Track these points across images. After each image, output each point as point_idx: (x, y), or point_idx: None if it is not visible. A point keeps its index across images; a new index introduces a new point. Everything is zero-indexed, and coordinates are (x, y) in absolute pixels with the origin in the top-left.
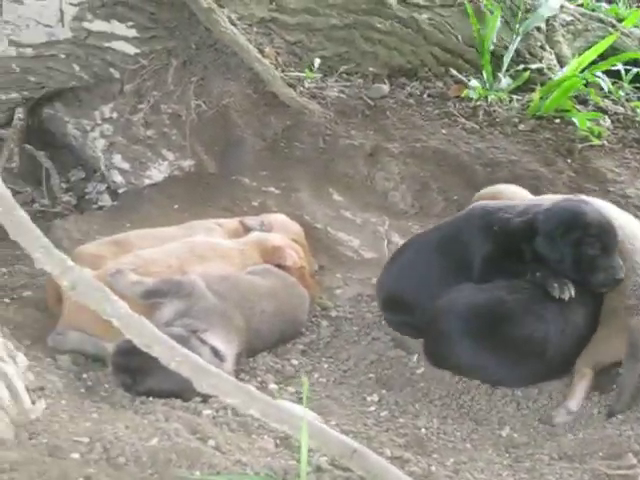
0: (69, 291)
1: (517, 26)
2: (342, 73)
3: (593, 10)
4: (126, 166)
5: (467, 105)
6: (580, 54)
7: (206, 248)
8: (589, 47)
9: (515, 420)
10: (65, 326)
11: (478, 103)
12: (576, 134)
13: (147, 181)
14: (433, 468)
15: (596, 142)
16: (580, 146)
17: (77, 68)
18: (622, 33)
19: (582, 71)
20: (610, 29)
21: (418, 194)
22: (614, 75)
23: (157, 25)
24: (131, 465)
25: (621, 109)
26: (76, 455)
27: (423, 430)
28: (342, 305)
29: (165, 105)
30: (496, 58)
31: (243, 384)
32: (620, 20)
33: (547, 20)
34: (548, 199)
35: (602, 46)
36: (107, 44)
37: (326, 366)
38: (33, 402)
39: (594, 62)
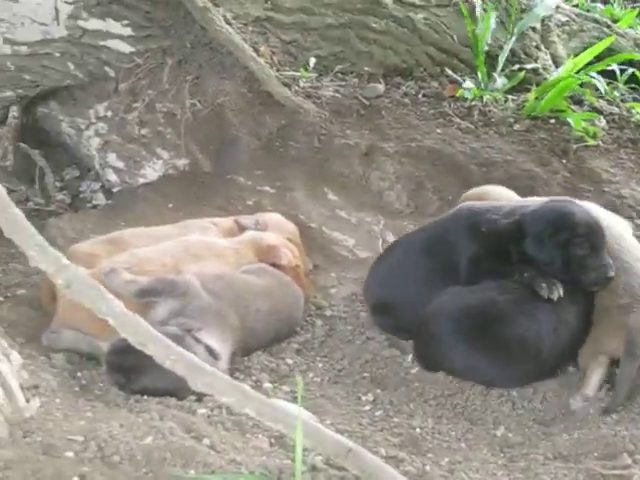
0: (64, 289)
1: (512, 26)
2: (337, 72)
3: (588, 10)
4: (121, 165)
5: (462, 105)
6: (575, 54)
7: (201, 247)
8: (584, 47)
9: (510, 420)
10: (59, 324)
11: (473, 103)
12: (571, 134)
13: (142, 180)
14: (428, 468)
15: (591, 142)
16: (575, 146)
17: (72, 66)
18: (617, 34)
19: (577, 72)
20: (605, 30)
21: (413, 194)
22: (609, 75)
23: (152, 24)
24: (125, 464)
25: (616, 109)
26: (70, 454)
27: (418, 430)
28: (337, 304)
29: (160, 104)
30: (491, 58)
31: (238, 383)
32: (615, 21)
33: (542, 20)
34: (533, 200)
35: (599, 48)
36: (102, 43)
37: (321, 365)
38: (27, 400)
39: (589, 62)
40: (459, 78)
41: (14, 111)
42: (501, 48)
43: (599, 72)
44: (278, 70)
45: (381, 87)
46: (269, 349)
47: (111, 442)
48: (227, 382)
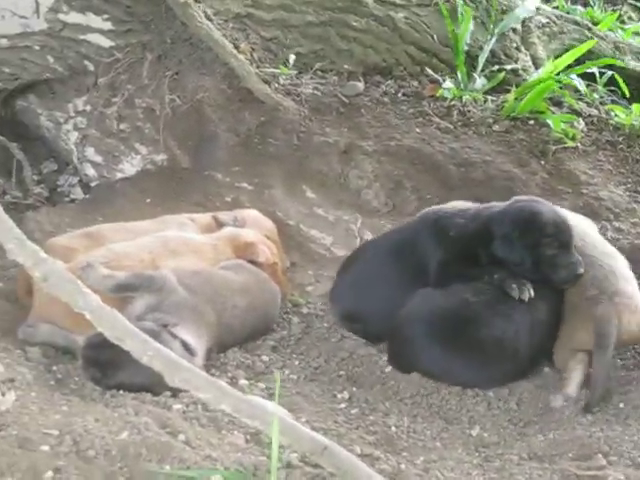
0: (41, 283)
1: (492, 27)
2: (317, 70)
3: (568, 13)
4: (99, 159)
5: (442, 105)
6: (555, 56)
7: (179, 243)
8: (565, 49)
9: (485, 420)
10: (36, 318)
11: (452, 103)
12: (550, 136)
13: (120, 175)
14: (403, 466)
15: (570, 144)
16: (554, 148)
17: (51, 60)
18: (597, 36)
19: (557, 73)
20: (586, 32)
21: (391, 192)
22: (589, 78)
23: (133, 18)
24: (101, 458)
25: (595, 112)
26: (46, 447)
27: (393, 428)
28: (313, 302)
29: (139, 99)
30: (471, 58)
31: (215, 379)
32: (595, 23)
33: (523, 21)
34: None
35: (579, 51)
36: (82, 36)
37: (297, 363)
38: (3, 394)
39: (569, 65)
40: (439, 78)
41: None
42: (481, 48)
43: (579, 74)
44: (258, 67)
45: (361, 85)
46: (245, 346)
47: (86, 437)
48: (204, 378)
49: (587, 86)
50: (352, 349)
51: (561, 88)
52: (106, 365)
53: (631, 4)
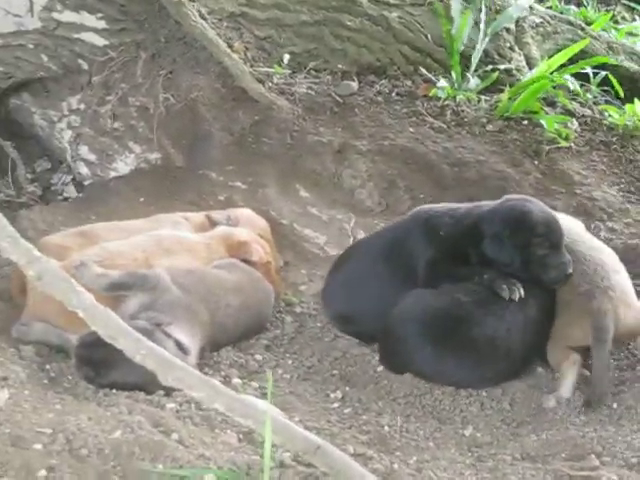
0: (35, 281)
1: (486, 26)
2: (311, 69)
3: (562, 13)
4: (92, 158)
5: (435, 104)
6: (549, 56)
7: (172, 241)
8: (558, 49)
9: (478, 420)
10: (29, 317)
11: (446, 103)
12: (544, 136)
13: (113, 173)
14: (396, 466)
15: (563, 144)
16: (547, 148)
17: (45, 58)
18: (591, 36)
19: (551, 73)
20: (579, 32)
21: (385, 192)
22: (582, 78)
23: (127, 17)
24: (94, 457)
25: (589, 112)
26: (39, 446)
27: (386, 428)
28: (307, 301)
29: (133, 98)
30: (465, 58)
31: (208, 378)
32: (589, 23)
33: (516, 21)
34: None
35: (573, 50)
36: (76, 35)
37: (290, 362)
38: None
39: (563, 64)
40: (433, 77)
41: None
42: (475, 48)
43: (572, 74)
44: (252, 66)
45: (355, 85)
46: (238, 345)
47: (79, 435)
48: (197, 377)
49: (581, 86)
50: (345, 348)
51: (555, 88)
52: (99, 364)
53: (624, 4)
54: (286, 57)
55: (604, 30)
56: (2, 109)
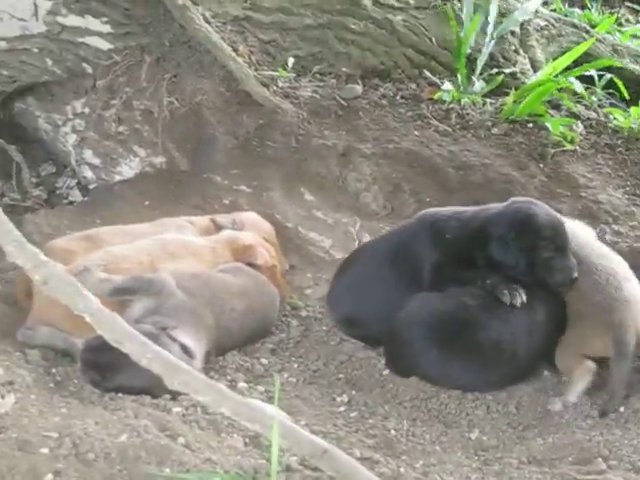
0: (41, 286)
1: (491, 30)
2: (315, 73)
3: (566, 15)
4: (97, 162)
5: (440, 107)
6: (554, 59)
7: (177, 245)
8: (563, 52)
9: (485, 423)
10: (35, 321)
11: (451, 106)
12: (549, 139)
13: (118, 177)
14: (402, 470)
15: (569, 147)
16: (553, 151)
17: (50, 62)
18: (595, 39)
19: (556, 76)
20: (584, 35)
21: (390, 195)
22: (587, 81)
23: (131, 21)
24: (100, 461)
25: (594, 115)
26: (45, 450)
27: (393, 432)
28: (312, 305)
29: (137, 101)
30: (470, 61)
31: (214, 382)
32: (593, 26)
33: (521, 24)
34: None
35: (577, 51)
36: (81, 39)
37: (296, 366)
38: (2, 396)
39: (567, 67)
40: (437, 80)
41: None
42: (480, 51)
43: (577, 77)
44: (256, 70)
45: (359, 88)
46: (244, 349)
47: (86, 439)
48: (203, 381)
49: (586, 89)
50: (351, 352)
51: (559, 91)
52: (105, 368)
53: (628, 7)
54: (290, 61)
55: (608, 33)
56: (7, 113)
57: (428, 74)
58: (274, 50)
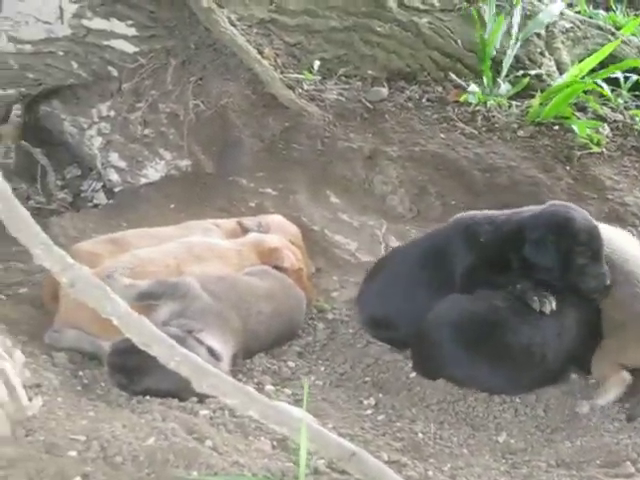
0: (68, 288)
1: (516, 32)
2: (341, 75)
3: (591, 17)
4: (122, 164)
5: (466, 110)
6: (580, 61)
7: (204, 248)
8: (588, 54)
9: (512, 426)
10: (62, 324)
11: (477, 108)
12: (575, 141)
13: (143, 180)
14: (430, 473)
15: (595, 150)
16: (579, 153)
17: (75, 66)
18: (621, 41)
19: (582, 78)
20: (609, 37)
21: (416, 198)
22: (613, 83)
23: (157, 24)
24: (128, 464)
25: (620, 117)
26: (73, 453)
27: (420, 435)
28: (338, 308)
29: (163, 104)
30: (495, 64)
31: (242, 385)
32: (618, 28)
33: (547, 27)
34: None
35: (603, 53)
36: (106, 42)
37: (322, 369)
38: (30, 399)
39: (593, 70)
40: (463, 83)
41: (17, 109)
42: (505, 54)
43: (603, 79)
44: (282, 72)
45: (385, 91)
46: (271, 351)
47: (114, 442)
48: (232, 384)
49: (612, 91)
50: (378, 355)
51: (585, 93)
52: (132, 371)
53: None
54: (316, 63)
55: (633, 34)
56: (32, 116)
57: (454, 77)
58: (300, 53)
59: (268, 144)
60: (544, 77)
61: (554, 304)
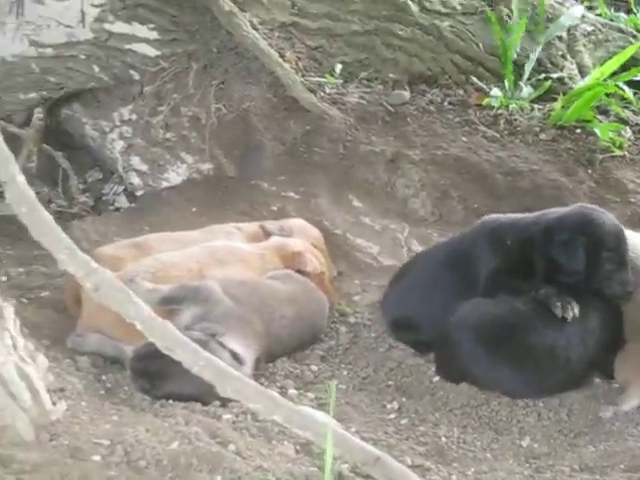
0: (92, 293)
1: (538, 35)
2: (363, 79)
3: (612, 20)
4: (144, 168)
5: (488, 113)
6: (601, 64)
7: (226, 252)
8: (610, 57)
9: (536, 430)
10: (84, 328)
11: (499, 111)
12: (597, 144)
13: (165, 184)
14: (454, 477)
15: (617, 153)
16: (601, 157)
17: (97, 69)
18: None
19: (604, 81)
20: (631, 39)
21: (438, 202)
22: (635, 85)
23: (178, 28)
24: (152, 469)
25: None
26: (97, 457)
27: (443, 439)
28: (361, 311)
29: (185, 108)
30: (517, 67)
31: (266, 389)
32: (639, 30)
33: (568, 30)
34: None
35: (625, 55)
36: (128, 46)
37: (345, 372)
38: (54, 403)
39: (615, 72)
40: (485, 86)
41: (38, 113)
42: (527, 57)
43: (625, 82)
44: (303, 76)
45: (406, 94)
46: (293, 355)
47: (137, 447)
48: (255, 388)
49: (634, 94)
50: (400, 359)
51: (607, 96)
52: (155, 376)
53: None
54: (338, 67)
55: None
56: (54, 120)
57: (475, 80)
58: (321, 56)
59: (290, 147)
60: (566, 80)
61: (577, 310)
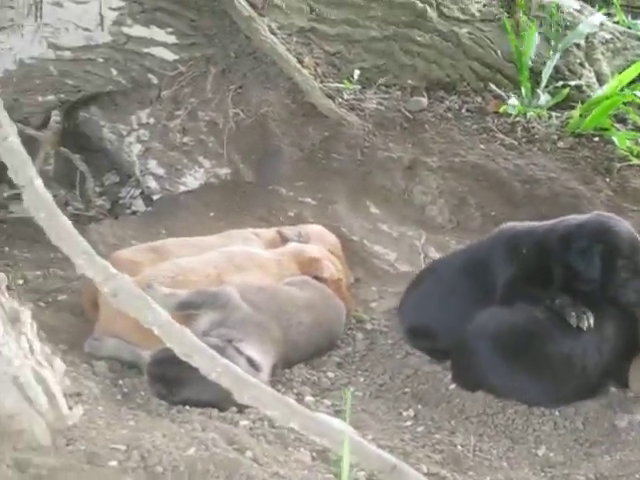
0: (110, 298)
1: (556, 43)
2: (381, 85)
3: (630, 28)
4: (161, 172)
5: (506, 121)
6: (619, 72)
7: (244, 258)
8: (628, 65)
9: (551, 439)
10: (101, 332)
11: (517, 119)
12: (615, 153)
13: (182, 188)
14: None
15: (635, 161)
16: (619, 165)
17: (115, 72)
18: None
19: (622, 89)
20: None
21: (456, 209)
22: None
23: (197, 32)
24: (169, 474)
25: None
26: (114, 463)
27: (459, 447)
28: (377, 318)
29: (203, 112)
30: (535, 74)
31: (283, 396)
32: None
33: (586, 37)
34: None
35: None
36: (146, 50)
37: (362, 379)
38: (70, 408)
39: (633, 80)
40: (503, 94)
41: (56, 115)
42: (545, 64)
43: None
44: (322, 81)
45: (425, 101)
46: (310, 362)
47: (154, 452)
48: (272, 395)
49: None
50: (417, 366)
51: (625, 104)
52: (172, 381)
53: None
54: (356, 73)
55: None
56: (71, 122)
57: (493, 87)
58: (339, 62)
59: (307, 153)
60: (584, 88)
61: (592, 320)
